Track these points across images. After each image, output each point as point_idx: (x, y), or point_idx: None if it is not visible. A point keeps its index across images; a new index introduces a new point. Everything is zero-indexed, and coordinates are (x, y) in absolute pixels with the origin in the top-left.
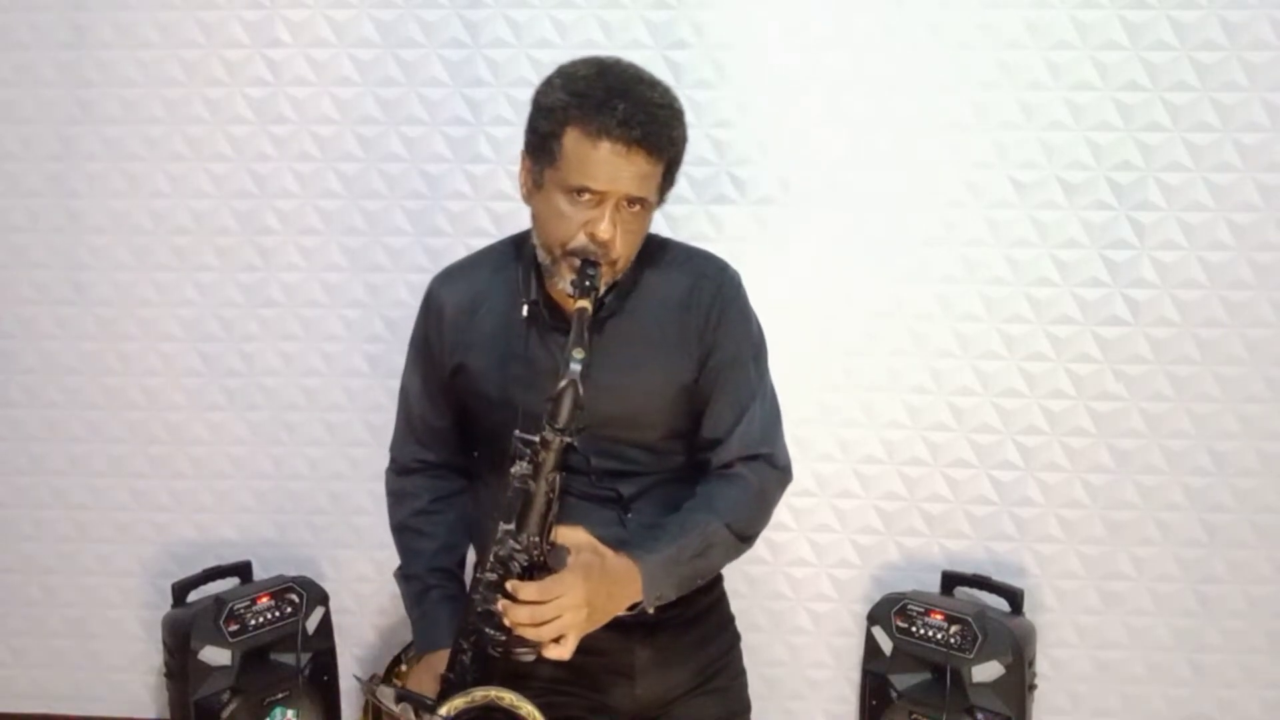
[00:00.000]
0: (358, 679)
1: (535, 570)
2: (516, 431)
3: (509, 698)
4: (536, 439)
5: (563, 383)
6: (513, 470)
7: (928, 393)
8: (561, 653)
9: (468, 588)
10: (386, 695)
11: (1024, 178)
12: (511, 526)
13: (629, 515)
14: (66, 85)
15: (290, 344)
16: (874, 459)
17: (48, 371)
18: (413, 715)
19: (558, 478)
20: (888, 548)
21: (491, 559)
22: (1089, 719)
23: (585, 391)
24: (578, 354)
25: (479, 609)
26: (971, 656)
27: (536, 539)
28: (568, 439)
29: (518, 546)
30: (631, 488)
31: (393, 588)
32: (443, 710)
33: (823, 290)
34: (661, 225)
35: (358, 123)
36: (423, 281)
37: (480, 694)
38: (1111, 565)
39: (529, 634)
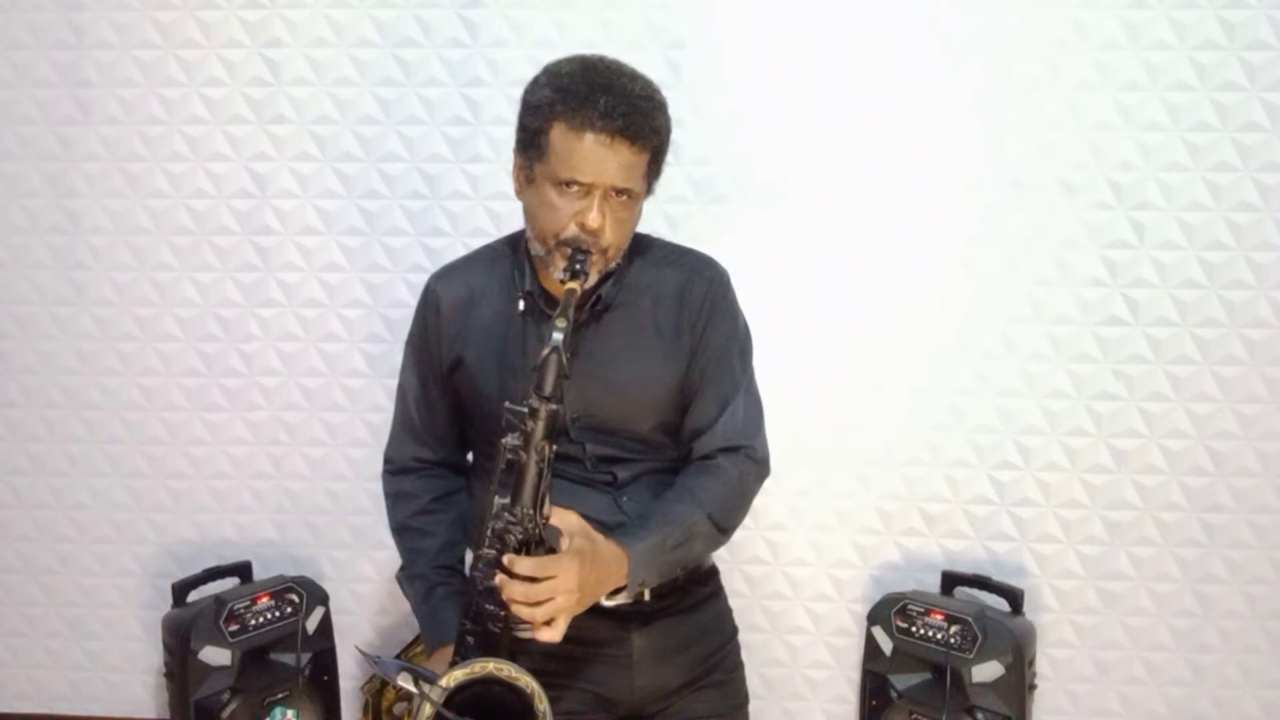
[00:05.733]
0: (359, 650)
1: (531, 544)
2: (506, 403)
3: (508, 669)
4: (525, 409)
5: (546, 351)
6: (503, 441)
7: (927, 392)
8: (553, 635)
9: (468, 568)
10: (389, 667)
11: (1023, 178)
12: (506, 500)
13: (624, 499)
14: (65, 85)
15: (289, 344)
16: (874, 459)
17: (47, 371)
18: (414, 687)
19: (548, 447)
20: (888, 548)
21: (489, 534)
22: (1089, 719)
23: (580, 382)
24: (560, 323)
25: (479, 587)
26: (971, 656)
27: (530, 511)
28: (554, 406)
29: (513, 519)
30: (626, 472)
31: (392, 587)
32: (443, 681)
33: (821, 290)
34: (660, 224)
35: (357, 123)
36: (422, 281)
37: (480, 666)
38: (1111, 565)
39: (523, 613)
